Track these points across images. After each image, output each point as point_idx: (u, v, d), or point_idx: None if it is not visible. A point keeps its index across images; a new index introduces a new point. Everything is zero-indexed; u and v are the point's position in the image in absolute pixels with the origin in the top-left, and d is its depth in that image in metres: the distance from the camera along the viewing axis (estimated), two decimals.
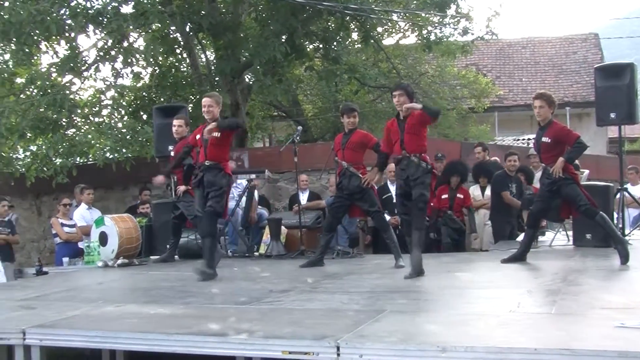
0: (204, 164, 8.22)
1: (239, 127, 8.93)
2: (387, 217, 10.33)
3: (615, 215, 10.11)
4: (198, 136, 8.37)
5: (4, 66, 14.37)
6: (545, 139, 8.10)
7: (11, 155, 14.63)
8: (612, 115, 10.22)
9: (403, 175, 7.62)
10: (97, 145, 14.46)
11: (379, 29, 20.02)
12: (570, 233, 10.37)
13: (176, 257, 10.38)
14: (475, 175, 11.50)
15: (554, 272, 7.63)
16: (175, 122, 10.13)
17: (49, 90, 13.48)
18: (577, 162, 8.68)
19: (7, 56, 14.28)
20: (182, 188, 9.77)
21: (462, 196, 10.93)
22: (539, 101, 8.13)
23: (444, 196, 10.93)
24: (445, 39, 18.01)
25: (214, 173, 8.16)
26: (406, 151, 7.55)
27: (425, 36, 18.07)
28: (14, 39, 13.24)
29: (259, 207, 11.91)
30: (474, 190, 11.49)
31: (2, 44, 13.77)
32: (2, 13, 13.16)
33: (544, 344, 4.15)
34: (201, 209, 8.24)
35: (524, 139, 20.54)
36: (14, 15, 12.75)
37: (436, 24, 18.08)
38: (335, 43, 16.77)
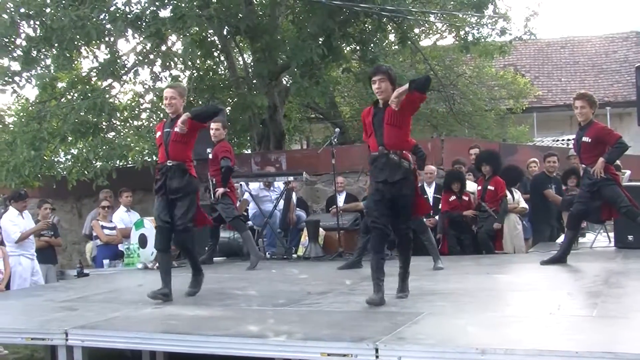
0: (165, 165, 7.14)
1: (216, 112, 7.66)
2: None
3: None
4: (159, 133, 7.29)
5: (46, 71, 14.57)
6: (585, 139, 8.01)
7: (53, 158, 14.83)
8: None
9: (380, 176, 6.18)
10: (136, 148, 14.61)
11: (416, 30, 19.96)
12: (611, 234, 10.24)
13: (214, 259, 10.45)
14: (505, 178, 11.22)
15: (595, 274, 7.55)
16: (213, 125, 9.96)
17: (89, 95, 13.66)
18: (618, 162, 8.58)
19: (48, 61, 14.48)
20: (220, 190, 9.80)
21: (493, 187, 10.61)
22: (580, 101, 8.05)
23: (452, 198, 10.73)
24: (482, 40, 17.87)
25: (179, 176, 7.06)
26: (384, 147, 6.15)
27: (462, 37, 17.95)
28: (56, 45, 13.45)
29: (297, 209, 11.94)
30: None
31: (44, 50, 13.96)
32: (44, 19, 13.38)
33: (585, 347, 4.11)
34: (161, 219, 7.08)
35: (563, 140, 20.32)
36: (56, 22, 12.96)
37: (474, 25, 17.95)
38: (372, 45, 16.73)
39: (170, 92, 7.23)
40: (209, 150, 10.33)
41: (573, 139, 8.68)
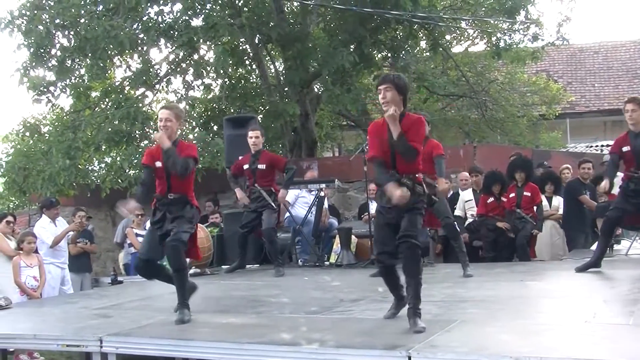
0: (166, 197, 6.50)
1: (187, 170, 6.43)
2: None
3: None
4: (159, 164, 6.47)
5: (80, 80, 14.76)
6: None
7: (87, 167, 14.99)
8: None
9: (385, 199, 5.50)
10: None
11: (448, 37, 19.92)
12: None
13: (247, 266, 10.48)
14: (542, 184, 11.15)
15: (631, 281, 7.45)
16: (252, 133, 9.83)
17: (123, 104, 13.80)
18: None
19: (82, 71, 14.66)
20: (283, 195, 9.88)
21: (529, 194, 10.54)
22: (631, 105, 7.91)
23: (490, 200, 10.69)
24: (514, 46, 17.79)
25: (181, 209, 6.45)
26: (396, 171, 5.50)
27: (494, 43, 17.90)
28: (89, 54, 13.62)
29: (330, 216, 11.94)
30: None
31: (78, 59, 14.15)
32: (78, 29, 13.55)
33: (621, 355, 4.06)
34: (149, 253, 6.55)
35: (597, 146, 20.14)
36: (90, 32, 13.13)
37: (505, 31, 17.88)
38: (403, 52, 16.75)
39: (165, 114, 6.47)
40: (241, 158, 10.23)
41: (606, 145, 8.47)
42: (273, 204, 9.73)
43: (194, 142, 14.75)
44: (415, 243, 5.29)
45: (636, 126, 7.92)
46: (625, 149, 8.00)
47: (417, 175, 5.52)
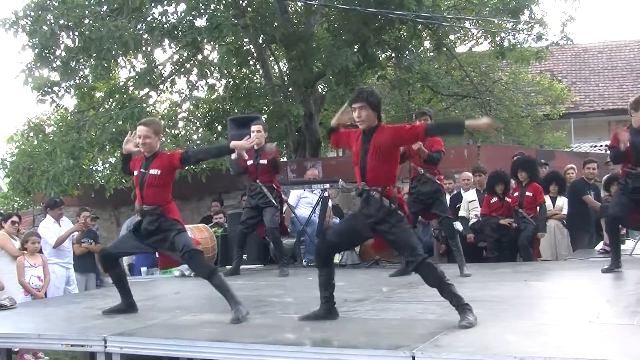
0: (142, 209, 6.57)
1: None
2: (459, 226, 10.35)
3: None
4: (135, 172, 6.63)
5: (84, 81, 14.78)
6: None
7: (91, 167, 15.01)
8: None
9: (367, 210, 5.62)
10: None
11: (452, 37, 19.92)
12: None
13: (251, 266, 10.49)
14: (546, 184, 11.14)
15: (635, 281, 7.44)
16: (254, 127, 9.75)
17: (127, 104, 13.82)
18: None
19: (86, 71, 14.68)
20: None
21: (531, 194, 10.50)
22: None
23: (493, 200, 10.69)
24: (518, 45, 17.79)
25: (155, 220, 6.49)
26: (366, 183, 5.58)
27: (498, 43, 17.90)
28: (94, 55, 13.64)
29: (334, 216, 11.94)
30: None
31: (82, 60, 14.17)
32: (83, 30, 13.57)
33: (625, 355, 4.06)
34: (117, 245, 6.92)
35: (601, 146, 20.10)
36: (94, 32, 13.14)
37: (509, 31, 17.88)
38: (407, 52, 16.73)
39: (144, 131, 6.49)
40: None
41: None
42: (274, 201, 9.70)
43: (198, 142, 14.80)
44: (421, 261, 5.37)
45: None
46: None
47: (387, 188, 5.54)
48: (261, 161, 9.70)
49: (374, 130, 5.59)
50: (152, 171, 6.47)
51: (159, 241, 6.53)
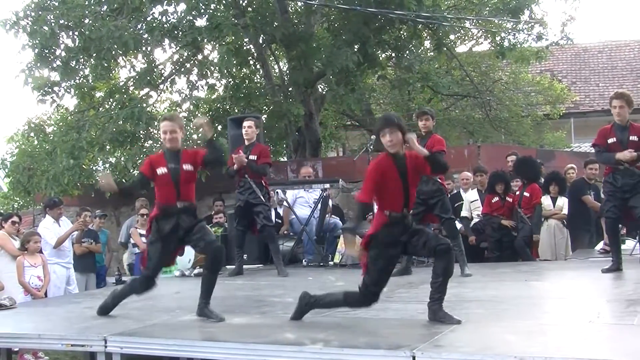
0: (175, 206, 6.24)
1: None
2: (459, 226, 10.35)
3: None
4: (164, 170, 6.25)
5: (84, 81, 14.78)
6: (633, 137, 7.83)
7: (91, 167, 15.00)
8: None
9: (405, 237, 5.51)
10: None
11: (452, 37, 19.92)
12: None
13: (251, 266, 10.48)
14: (546, 184, 11.14)
15: (635, 281, 7.45)
16: (246, 123, 9.77)
17: (127, 104, 13.83)
18: None
19: (87, 71, 14.69)
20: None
21: (528, 194, 10.61)
22: (618, 101, 7.91)
23: (494, 199, 10.71)
24: (519, 45, 17.79)
25: (191, 218, 6.33)
26: (407, 209, 5.52)
27: (498, 43, 17.90)
28: (94, 55, 13.64)
29: (333, 216, 11.94)
30: (544, 200, 11.00)
31: (82, 60, 14.17)
32: (83, 30, 13.57)
33: (625, 355, 4.06)
34: (158, 266, 6.49)
35: None
36: (94, 32, 13.14)
37: (510, 30, 17.88)
38: (407, 51, 16.74)
39: (169, 126, 6.26)
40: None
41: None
42: (263, 198, 9.68)
43: (198, 141, 14.79)
44: (450, 245, 5.38)
45: (622, 121, 7.93)
46: (611, 140, 8.04)
47: None
48: (251, 156, 9.70)
49: (405, 156, 5.42)
50: (185, 167, 6.26)
51: (198, 240, 6.29)
